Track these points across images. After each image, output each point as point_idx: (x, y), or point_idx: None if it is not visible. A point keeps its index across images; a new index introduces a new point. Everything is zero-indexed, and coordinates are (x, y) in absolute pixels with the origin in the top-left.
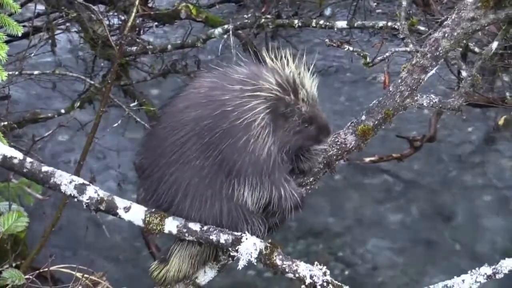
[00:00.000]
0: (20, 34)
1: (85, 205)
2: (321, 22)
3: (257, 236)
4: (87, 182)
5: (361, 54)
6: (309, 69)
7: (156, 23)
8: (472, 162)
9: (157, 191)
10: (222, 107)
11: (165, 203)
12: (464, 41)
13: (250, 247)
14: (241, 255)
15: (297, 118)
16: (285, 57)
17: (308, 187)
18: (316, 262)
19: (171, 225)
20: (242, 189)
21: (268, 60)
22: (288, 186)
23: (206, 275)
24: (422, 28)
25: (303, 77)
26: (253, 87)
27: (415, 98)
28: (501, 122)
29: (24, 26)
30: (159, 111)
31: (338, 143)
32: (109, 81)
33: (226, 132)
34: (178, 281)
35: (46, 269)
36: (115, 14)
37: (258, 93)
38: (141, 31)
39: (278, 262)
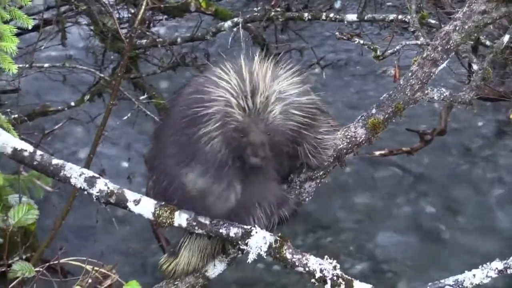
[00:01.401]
0: (30, 27)
1: (95, 198)
2: (331, 15)
3: None
4: (97, 175)
5: (371, 47)
6: (291, 76)
7: (166, 16)
8: (483, 156)
9: (159, 182)
10: (196, 97)
11: (167, 194)
12: (475, 34)
13: (259, 240)
14: (251, 248)
15: (231, 124)
16: (260, 58)
17: (318, 181)
18: (326, 256)
19: (181, 218)
20: (191, 173)
21: (241, 60)
22: (229, 190)
23: (216, 268)
24: (432, 21)
25: (258, 84)
26: (220, 84)
27: (426, 91)
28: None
29: (34, 19)
30: (168, 103)
31: (348, 136)
32: (119, 74)
33: (190, 120)
34: (188, 274)
35: (56, 261)
36: (125, 7)
37: (220, 91)
38: (151, 24)
39: (288, 256)
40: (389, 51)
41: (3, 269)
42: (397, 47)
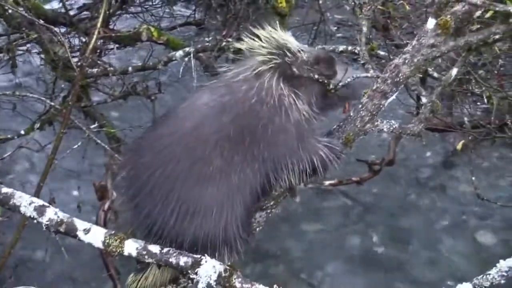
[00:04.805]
0: None
1: (44, 227)
2: None
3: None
4: (47, 204)
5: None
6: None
7: (117, 45)
8: (430, 186)
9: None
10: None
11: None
12: (424, 67)
13: (209, 269)
14: (200, 277)
15: (306, 67)
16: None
17: (268, 211)
18: (275, 285)
19: (131, 247)
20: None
21: (247, 41)
22: (323, 145)
23: None
24: (381, 52)
25: (281, 34)
26: (254, 69)
27: (376, 123)
28: (459, 146)
29: None
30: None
31: None
32: (70, 103)
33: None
34: (160, 285)
35: None
36: (76, 35)
37: (261, 69)
38: (102, 53)
39: (237, 285)
40: (340, 84)
41: None
42: (348, 79)
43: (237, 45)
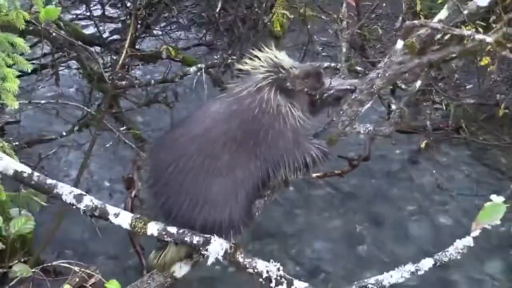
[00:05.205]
0: (29, 70)
1: (82, 212)
2: None
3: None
4: (84, 193)
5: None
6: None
7: (142, 62)
8: (399, 178)
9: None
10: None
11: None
12: (394, 81)
13: (217, 247)
14: (210, 253)
15: (297, 81)
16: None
17: (266, 198)
18: (271, 260)
19: (153, 228)
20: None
21: (249, 62)
22: (314, 147)
23: (182, 269)
24: (359, 68)
25: (276, 54)
26: (255, 84)
27: (354, 126)
28: (423, 145)
29: (33, 63)
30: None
31: None
32: (103, 109)
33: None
34: (176, 261)
35: (49, 264)
36: (108, 54)
37: (261, 85)
38: (130, 68)
39: (240, 260)
40: (325, 95)
41: (4, 271)
42: (331, 91)
43: (241, 66)
